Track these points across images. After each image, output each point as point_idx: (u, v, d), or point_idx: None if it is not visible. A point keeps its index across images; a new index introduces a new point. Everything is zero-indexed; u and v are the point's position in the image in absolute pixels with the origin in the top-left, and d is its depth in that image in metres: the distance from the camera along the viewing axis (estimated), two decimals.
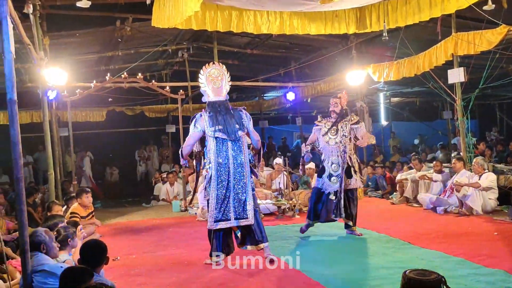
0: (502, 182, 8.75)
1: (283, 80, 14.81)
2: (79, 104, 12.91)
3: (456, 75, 9.01)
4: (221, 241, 5.79)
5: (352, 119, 7.14)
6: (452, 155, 10.52)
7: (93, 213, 8.04)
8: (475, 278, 4.73)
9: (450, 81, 9.29)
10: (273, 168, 11.05)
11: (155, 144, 17.21)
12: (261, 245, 5.77)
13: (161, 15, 7.90)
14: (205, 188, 5.84)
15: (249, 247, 5.85)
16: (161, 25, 8.07)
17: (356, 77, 11.41)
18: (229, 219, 5.69)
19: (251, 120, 5.97)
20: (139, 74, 10.31)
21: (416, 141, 18.56)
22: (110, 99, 14.07)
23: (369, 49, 12.20)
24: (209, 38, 12.06)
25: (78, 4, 7.73)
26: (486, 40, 8.25)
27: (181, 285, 5.05)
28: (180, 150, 6.11)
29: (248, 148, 5.96)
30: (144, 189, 13.95)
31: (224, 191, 5.68)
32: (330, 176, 7.00)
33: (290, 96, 13.79)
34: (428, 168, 9.93)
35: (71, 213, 7.41)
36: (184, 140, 10.76)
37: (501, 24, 7.97)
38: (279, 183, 10.29)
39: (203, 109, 5.96)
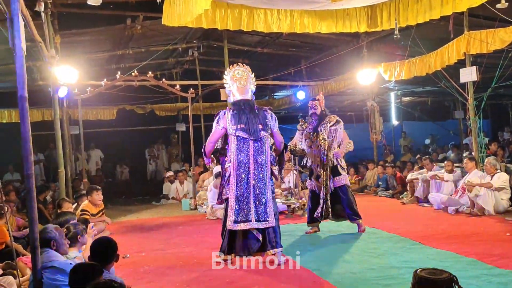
0: None
1: (293, 79, 14.77)
2: (90, 102, 12.98)
3: (468, 74, 8.92)
4: (235, 242, 5.66)
5: (331, 120, 7.13)
6: (464, 155, 10.41)
7: (103, 211, 8.08)
8: (487, 279, 4.67)
9: (462, 80, 9.20)
10: None
11: (163, 143, 17.25)
12: (276, 250, 5.61)
13: (171, 13, 7.91)
14: (224, 187, 5.80)
15: (270, 251, 5.61)
16: (171, 24, 8.07)
17: (367, 76, 11.36)
18: (250, 220, 5.57)
19: (277, 121, 5.92)
20: (149, 72, 10.32)
21: (428, 141, 18.42)
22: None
23: (380, 48, 12.12)
24: (220, 37, 12.06)
25: (89, 2, 7.74)
26: (499, 38, 8.16)
27: (190, 283, 5.04)
28: (203, 148, 6.06)
29: (271, 149, 5.88)
30: (154, 187, 13.99)
31: (243, 191, 5.60)
32: (318, 177, 7.11)
33: (300, 95, 13.76)
34: (439, 168, 9.84)
35: (82, 210, 7.46)
36: (193, 139, 10.93)
37: None
38: (289, 182, 10.27)
39: (227, 107, 5.95)
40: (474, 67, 8.89)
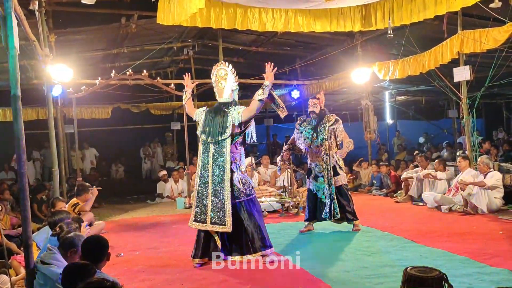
0: (508, 181, 8.72)
1: (288, 78, 14.79)
2: (84, 101, 12.94)
3: (462, 74, 8.96)
4: (201, 244, 5.71)
5: (330, 120, 7.17)
6: (458, 153, 10.46)
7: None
8: (479, 277, 4.71)
9: (455, 80, 9.23)
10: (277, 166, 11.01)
11: (160, 141, 17.25)
12: (254, 255, 5.60)
13: (166, 12, 7.91)
14: None
15: (233, 257, 5.65)
16: (166, 22, 8.08)
17: (362, 75, 11.38)
18: (205, 222, 5.66)
19: (241, 113, 5.76)
20: (144, 71, 10.30)
21: (422, 140, 18.49)
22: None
23: (374, 47, 12.14)
24: (214, 36, 12.05)
25: (84, 1, 7.73)
26: (492, 38, 8.19)
27: (184, 281, 5.05)
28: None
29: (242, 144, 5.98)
30: (149, 186, 13.97)
31: (204, 192, 5.71)
32: (316, 177, 7.16)
33: (295, 94, 13.77)
34: (433, 167, 9.89)
35: (73, 205, 7.40)
36: (188, 138, 10.92)
37: (507, 22, 7.91)
38: (283, 180, 10.30)
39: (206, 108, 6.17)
40: (467, 67, 8.92)
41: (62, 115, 12.05)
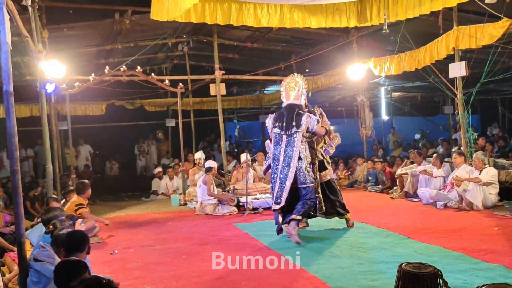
0: (503, 177, 8.71)
1: (283, 74, 14.66)
2: (78, 97, 12.89)
3: (458, 69, 8.95)
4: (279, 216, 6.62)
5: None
6: (453, 150, 10.46)
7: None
8: (474, 273, 4.69)
9: (451, 76, 9.22)
10: None
11: (154, 139, 17.19)
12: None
13: (160, 7, 7.86)
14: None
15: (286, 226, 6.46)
16: (160, 18, 8.03)
17: (357, 71, 11.37)
18: (279, 202, 6.51)
19: (316, 120, 6.63)
20: (138, 67, 10.24)
21: (417, 136, 18.51)
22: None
23: (370, 43, 12.13)
24: (209, 32, 11.99)
25: None
26: (488, 34, 8.18)
27: (179, 278, 5.02)
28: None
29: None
30: (143, 183, 13.94)
31: (275, 178, 6.57)
32: None
33: None
34: (428, 163, 9.89)
35: (77, 204, 7.37)
36: (183, 135, 10.88)
37: (503, 18, 7.91)
38: None
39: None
40: (463, 62, 8.91)
41: (56, 112, 11.97)
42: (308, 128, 6.57)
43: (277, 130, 6.64)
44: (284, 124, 6.58)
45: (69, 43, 11.27)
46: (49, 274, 3.73)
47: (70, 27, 10.21)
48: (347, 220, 7.19)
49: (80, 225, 6.38)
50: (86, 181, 8.02)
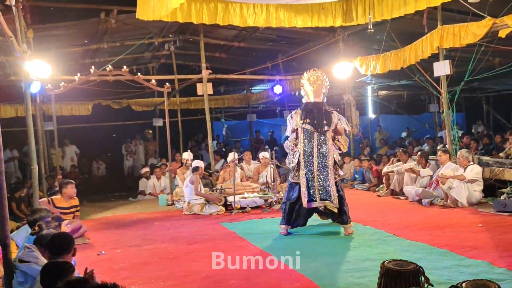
0: (487, 174, 8.82)
1: (270, 73, 14.78)
2: (64, 97, 12.78)
3: (442, 68, 9.03)
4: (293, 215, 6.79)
5: None
6: (438, 147, 10.56)
7: (78, 208, 7.94)
8: (459, 270, 4.76)
9: (436, 74, 9.31)
10: (260, 162, 11.02)
11: (142, 138, 17.11)
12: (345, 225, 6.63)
13: (146, 7, 7.84)
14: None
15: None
16: (146, 18, 8.00)
17: (343, 70, 11.42)
18: (315, 200, 6.60)
19: (343, 119, 6.96)
20: (124, 67, 10.18)
21: (403, 134, 18.65)
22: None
23: (356, 42, 12.19)
24: (196, 31, 11.97)
25: None
26: (471, 32, 8.27)
27: (166, 278, 5.02)
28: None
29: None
30: (131, 183, 13.87)
31: (310, 176, 6.63)
32: None
33: (278, 89, 13.78)
34: (414, 161, 9.97)
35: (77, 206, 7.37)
36: (170, 134, 10.85)
37: (486, 17, 8.00)
38: (266, 176, 10.29)
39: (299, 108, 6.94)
40: (447, 61, 9.00)
41: (41, 112, 11.87)
42: (336, 126, 6.74)
43: (308, 127, 6.69)
44: (315, 121, 6.67)
45: (54, 43, 11.17)
46: (35, 274, 3.71)
47: (55, 27, 10.12)
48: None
49: (66, 226, 6.33)
50: (69, 179, 8.00)
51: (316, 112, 6.73)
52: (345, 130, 7.02)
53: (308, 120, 6.69)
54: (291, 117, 6.89)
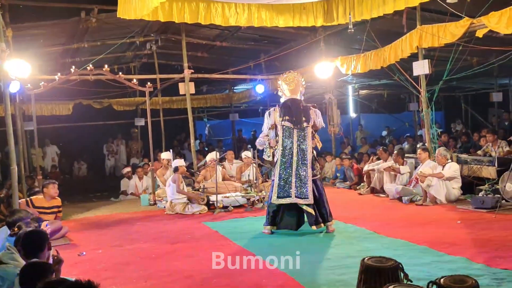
0: (465, 172, 8.98)
1: (253, 73, 14.81)
2: (44, 97, 12.64)
3: (421, 67, 9.17)
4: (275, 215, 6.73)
5: None
6: (418, 145, 10.72)
7: (60, 208, 7.88)
8: (438, 266, 4.84)
9: (415, 73, 9.45)
10: (243, 161, 11.04)
11: (123, 138, 16.99)
12: (325, 224, 6.66)
13: (127, 6, 7.81)
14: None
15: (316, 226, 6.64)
16: (127, 16, 7.97)
17: (325, 69, 11.50)
18: (290, 196, 6.57)
19: (320, 116, 7.01)
20: (106, 66, 10.10)
21: (384, 133, 18.85)
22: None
23: (337, 42, 12.30)
24: (178, 30, 11.93)
25: None
26: (449, 32, 8.42)
27: (148, 278, 5.01)
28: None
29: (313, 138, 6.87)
30: (112, 183, 13.77)
31: (287, 172, 6.64)
32: None
33: (260, 88, 13.82)
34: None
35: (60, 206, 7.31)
36: (152, 134, 10.81)
37: (464, 17, 8.15)
38: (249, 175, 10.32)
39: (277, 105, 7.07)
40: (426, 60, 9.14)
41: (21, 112, 11.70)
42: (315, 122, 6.84)
43: (287, 124, 6.75)
44: (294, 118, 6.74)
45: (34, 42, 11.04)
46: (13, 276, 3.68)
47: (35, 26, 9.99)
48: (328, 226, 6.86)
49: (46, 227, 6.27)
50: (52, 180, 7.94)
51: (294, 108, 6.81)
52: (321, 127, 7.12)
53: (287, 117, 6.75)
54: (269, 114, 6.97)
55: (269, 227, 6.81)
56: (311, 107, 6.93)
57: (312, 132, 6.90)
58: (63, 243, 6.79)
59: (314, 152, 6.94)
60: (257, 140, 7.38)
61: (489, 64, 9.75)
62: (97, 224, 8.58)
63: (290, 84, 6.99)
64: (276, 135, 6.90)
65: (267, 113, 7.07)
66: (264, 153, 7.19)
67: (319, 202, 6.74)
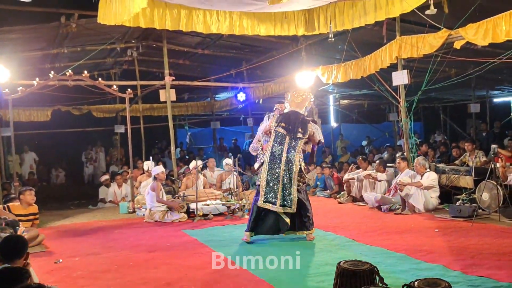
0: (443, 181, 9.09)
1: (234, 81, 14.82)
2: (22, 103, 12.46)
3: (400, 78, 9.28)
4: (258, 221, 6.70)
5: None
6: (397, 155, 10.82)
7: (37, 216, 7.74)
8: (415, 273, 4.87)
9: (394, 83, 9.56)
10: (224, 169, 11.00)
11: (103, 145, 16.80)
12: (305, 232, 6.68)
13: (107, 11, 7.75)
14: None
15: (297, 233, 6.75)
16: (107, 22, 7.91)
17: (306, 78, 11.56)
18: (275, 204, 6.55)
19: (319, 130, 7.09)
20: (85, 71, 10.00)
21: (364, 143, 19.01)
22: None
23: (318, 51, 12.39)
24: (159, 37, 11.89)
25: None
26: (428, 43, 8.55)
27: (125, 286, 4.95)
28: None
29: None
30: (91, 191, 13.57)
31: (275, 177, 6.61)
32: None
33: (241, 96, 13.84)
34: (373, 168, 10.19)
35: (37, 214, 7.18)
36: (132, 141, 10.70)
37: (442, 28, 8.29)
38: (229, 183, 10.29)
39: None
40: (405, 71, 9.26)
41: None
42: (309, 136, 6.83)
43: (281, 130, 6.74)
44: (290, 126, 6.73)
45: (12, 47, 10.88)
46: None
47: (13, 30, 9.85)
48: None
49: (23, 234, 6.15)
50: (29, 186, 7.81)
51: (293, 118, 6.81)
52: (319, 142, 7.13)
53: (283, 124, 6.76)
54: (268, 118, 7.08)
55: (248, 233, 6.74)
56: (310, 121, 6.96)
57: (305, 142, 6.92)
58: (39, 251, 6.66)
59: (302, 163, 6.86)
60: (251, 146, 7.48)
61: (466, 75, 9.91)
62: (74, 231, 8.43)
63: (297, 97, 7.04)
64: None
65: (266, 116, 7.16)
66: (257, 159, 7.27)
67: (303, 210, 6.70)
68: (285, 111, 7.04)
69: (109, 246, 6.93)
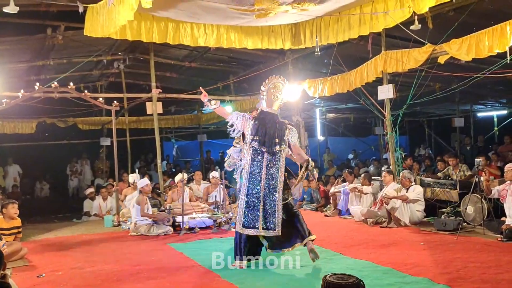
0: (428, 194, 9.15)
1: (221, 94, 14.82)
2: (7, 114, 12.33)
3: (386, 92, 9.38)
4: (248, 246, 6.01)
5: None
6: (383, 168, 10.89)
7: (20, 229, 7.63)
8: (401, 287, 4.90)
9: (380, 97, 9.65)
10: (210, 182, 10.96)
11: (88, 158, 16.66)
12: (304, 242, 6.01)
13: (94, 23, 7.74)
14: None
15: (284, 250, 6.07)
16: (94, 34, 7.89)
17: (293, 91, 11.60)
18: (257, 228, 5.89)
19: (296, 134, 6.22)
20: (71, 83, 9.93)
21: (350, 156, 19.11)
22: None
23: (305, 65, 12.49)
24: (146, 50, 11.88)
25: (6, 9, 7.36)
26: (413, 58, 8.66)
27: None
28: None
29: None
30: (76, 204, 13.42)
31: (255, 200, 5.92)
32: None
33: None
34: (359, 181, 10.22)
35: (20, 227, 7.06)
36: (118, 154, 10.62)
37: (427, 43, 8.42)
38: (216, 196, 10.25)
39: (252, 113, 6.36)
40: (390, 85, 9.36)
41: None
42: (289, 145, 6.07)
43: (255, 145, 5.94)
44: (265, 138, 5.91)
45: None
46: None
47: None
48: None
49: (2, 247, 6.05)
50: (11, 199, 7.71)
51: (269, 125, 5.96)
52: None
53: (257, 137, 5.92)
54: (242, 118, 6.11)
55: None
56: (286, 125, 6.13)
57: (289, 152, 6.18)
58: (22, 265, 6.55)
59: (286, 174, 6.27)
60: (226, 162, 7.09)
61: (451, 90, 10.05)
62: (58, 245, 8.31)
63: (275, 94, 6.12)
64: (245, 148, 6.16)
65: (241, 115, 6.17)
66: (234, 173, 6.76)
67: (294, 222, 6.14)
68: (259, 111, 6.19)
69: (93, 260, 6.82)
